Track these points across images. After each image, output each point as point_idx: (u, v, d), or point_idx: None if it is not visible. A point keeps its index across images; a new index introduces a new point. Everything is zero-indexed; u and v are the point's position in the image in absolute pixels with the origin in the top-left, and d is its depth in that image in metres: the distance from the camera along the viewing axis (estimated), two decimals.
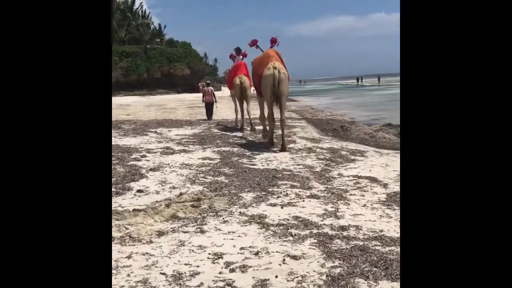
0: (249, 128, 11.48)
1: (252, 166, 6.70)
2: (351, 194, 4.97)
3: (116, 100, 35.99)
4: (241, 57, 12.37)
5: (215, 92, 16.17)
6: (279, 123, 8.71)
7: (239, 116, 12.32)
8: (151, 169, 6.51)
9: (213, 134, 11.04)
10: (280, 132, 8.74)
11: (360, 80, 74.02)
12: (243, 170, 6.33)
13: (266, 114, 9.10)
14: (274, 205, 4.56)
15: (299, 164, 6.86)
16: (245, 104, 11.88)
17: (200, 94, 16.87)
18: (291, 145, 8.98)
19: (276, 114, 8.92)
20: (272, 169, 6.42)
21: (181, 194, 4.99)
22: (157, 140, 10.03)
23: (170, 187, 5.42)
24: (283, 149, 8.22)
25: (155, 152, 8.18)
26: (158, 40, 63.50)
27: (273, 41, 9.56)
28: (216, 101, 15.50)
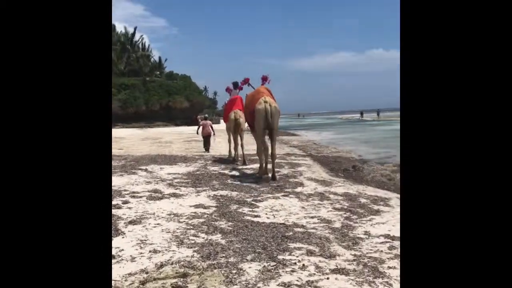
0: (241, 163, 11.53)
1: (255, 219, 5.46)
2: (389, 267, 3.72)
3: (112, 133, 34.92)
4: (237, 90, 12.46)
5: (213, 125, 16.16)
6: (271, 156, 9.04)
7: (233, 149, 12.68)
8: (131, 222, 5.27)
9: (209, 173, 9.84)
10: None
11: (362, 115, 73.50)
12: (244, 225, 5.09)
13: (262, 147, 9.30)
14: (289, 286, 3.30)
15: (312, 217, 5.62)
16: (239, 138, 12.20)
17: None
18: (299, 189, 7.77)
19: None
20: (280, 224, 5.18)
21: (161, 265, 3.73)
22: (146, 180, 8.81)
23: (150, 251, 4.17)
24: (273, 178, 8.71)
25: (141, 197, 6.96)
26: (158, 72, 63.22)
27: (264, 79, 10.13)
28: (214, 134, 15.73)
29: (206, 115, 18.07)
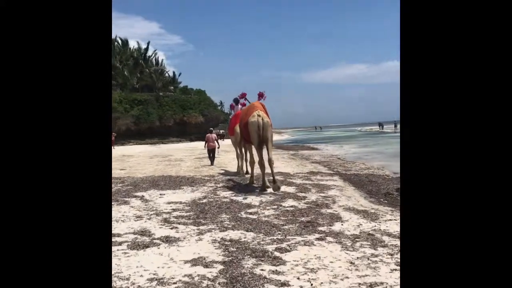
0: (257, 185, 10.18)
1: None
2: None
3: (123, 150, 33.46)
4: (239, 106, 12.61)
5: (221, 140, 16.86)
6: (266, 164, 9.26)
7: (240, 162, 13.09)
8: None
9: (218, 201, 7.87)
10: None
11: (382, 127, 70.77)
12: None
13: (257, 158, 9.62)
14: None
15: (372, 285, 3.58)
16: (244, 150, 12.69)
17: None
18: (338, 226, 5.72)
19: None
20: None
21: None
22: (136, 214, 6.88)
23: None
24: (274, 186, 8.95)
25: (120, 243, 5.02)
26: (172, 87, 61.95)
27: (260, 95, 10.68)
28: (219, 147, 16.41)
29: (211, 129, 17.69)
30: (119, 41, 60.59)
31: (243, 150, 12.68)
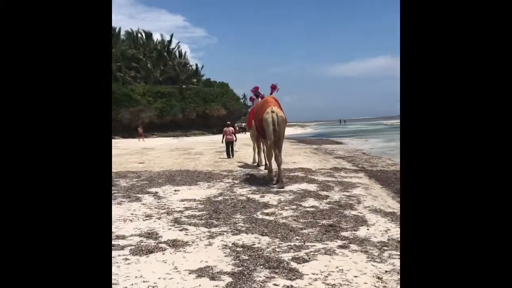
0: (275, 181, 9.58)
1: None
2: None
3: (145, 143, 33.41)
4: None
5: (244, 133, 16.61)
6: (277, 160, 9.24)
7: (257, 155, 13.35)
8: None
9: (234, 199, 7.40)
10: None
11: None
12: None
13: (270, 152, 9.71)
14: None
15: None
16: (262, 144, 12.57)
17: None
18: (363, 231, 5.16)
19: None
20: None
21: None
22: (146, 212, 6.48)
23: None
24: (277, 182, 9.05)
25: (123, 248, 4.60)
26: (195, 80, 61.81)
27: (273, 88, 10.70)
28: (236, 140, 16.35)
29: (228, 122, 17.78)
30: (143, 34, 60.73)
31: (261, 144, 12.52)
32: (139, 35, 60.33)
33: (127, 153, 20.31)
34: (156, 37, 62.63)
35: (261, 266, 3.93)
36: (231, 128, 16.28)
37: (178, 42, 67.64)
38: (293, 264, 3.98)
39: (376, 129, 53.90)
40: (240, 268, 3.88)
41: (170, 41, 61.39)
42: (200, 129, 54.15)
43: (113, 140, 41.41)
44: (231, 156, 15.82)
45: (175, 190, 8.56)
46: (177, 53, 62.63)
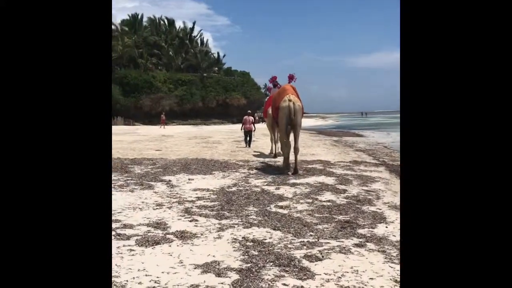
0: (292, 173, 9.36)
1: None
2: None
3: (164, 130, 33.50)
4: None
5: (263, 122, 16.78)
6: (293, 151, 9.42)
7: (274, 144, 13.13)
8: None
9: (248, 190, 7.20)
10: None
11: None
12: None
13: (286, 144, 9.57)
14: None
15: None
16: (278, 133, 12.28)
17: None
18: (381, 229, 4.88)
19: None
20: None
21: None
22: (157, 201, 6.33)
23: None
24: (295, 171, 9.11)
25: (129, 238, 4.45)
26: (216, 68, 61.70)
27: (291, 78, 10.59)
28: (255, 129, 16.20)
29: (249, 111, 17.51)
30: (165, 21, 60.76)
31: (276, 133, 12.33)
32: (162, 22, 60.39)
33: (146, 140, 20.33)
34: (179, 24, 62.61)
35: (271, 263, 3.71)
36: (251, 118, 16.16)
37: (201, 30, 67.62)
38: (305, 263, 3.75)
39: (398, 122, 52.78)
40: (249, 265, 3.67)
41: (192, 29, 61.34)
42: (219, 118, 54.16)
43: (133, 127, 41.92)
44: (248, 146, 15.81)
45: (189, 179, 8.40)
46: (199, 41, 62.61)
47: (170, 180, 8.21)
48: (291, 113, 9.15)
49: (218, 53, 65.05)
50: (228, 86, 56.46)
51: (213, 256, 3.92)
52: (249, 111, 17.85)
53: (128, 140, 19.97)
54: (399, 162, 12.23)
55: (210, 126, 45.04)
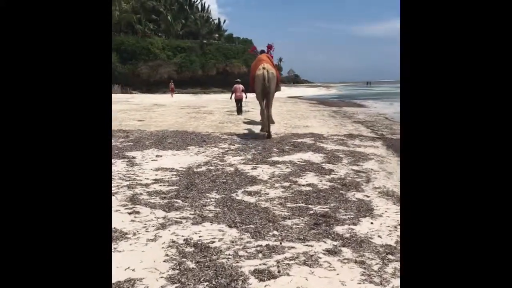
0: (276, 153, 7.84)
1: None
2: None
3: (159, 99, 32.26)
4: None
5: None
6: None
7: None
8: None
9: (219, 170, 6.20)
10: None
11: None
12: None
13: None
14: None
15: None
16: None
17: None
18: (364, 226, 3.88)
19: None
20: None
21: None
22: None
23: None
24: (268, 136, 9.57)
25: None
26: (217, 35, 59.77)
27: (269, 47, 11.37)
28: (246, 97, 16.01)
29: (239, 80, 17.12)
30: None
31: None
32: None
33: (134, 109, 19.26)
34: None
35: (205, 285, 2.73)
36: (241, 86, 16.13)
37: None
38: (252, 283, 2.77)
39: None
40: (173, 286, 2.69)
41: None
42: (220, 86, 52.68)
43: (129, 95, 40.60)
44: (240, 113, 15.97)
45: (156, 156, 7.40)
46: (199, 7, 60.42)
47: (134, 157, 7.22)
48: (265, 81, 9.60)
49: (218, 19, 62.99)
50: (228, 53, 54.72)
51: (133, 270, 2.94)
52: (238, 79, 17.30)
53: (115, 109, 18.90)
54: (398, 136, 11.15)
55: (209, 95, 43.63)
